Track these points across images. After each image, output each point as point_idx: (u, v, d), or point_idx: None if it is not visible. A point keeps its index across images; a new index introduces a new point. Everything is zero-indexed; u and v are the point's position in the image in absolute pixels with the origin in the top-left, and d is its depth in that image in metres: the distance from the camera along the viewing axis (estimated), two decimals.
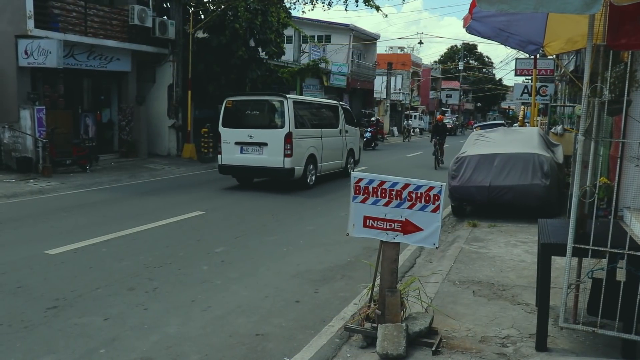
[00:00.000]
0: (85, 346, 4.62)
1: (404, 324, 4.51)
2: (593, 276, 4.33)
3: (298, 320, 5.33)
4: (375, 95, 45.48)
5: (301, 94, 28.49)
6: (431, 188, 4.43)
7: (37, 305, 5.49)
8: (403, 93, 54.61)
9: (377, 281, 4.89)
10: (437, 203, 4.41)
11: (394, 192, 4.49)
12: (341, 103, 17.02)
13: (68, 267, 6.78)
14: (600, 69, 4.23)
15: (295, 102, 13.61)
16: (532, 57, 17.68)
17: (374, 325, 4.77)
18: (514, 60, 21.45)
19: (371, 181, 4.55)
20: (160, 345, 4.67)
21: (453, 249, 8.03)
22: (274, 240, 8.43)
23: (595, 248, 4.10)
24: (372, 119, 33.69)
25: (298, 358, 4.52)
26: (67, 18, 16.08)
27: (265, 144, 13.08)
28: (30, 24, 14.78)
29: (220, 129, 13.65)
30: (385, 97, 46.47)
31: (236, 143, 13.35)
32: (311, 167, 13.92)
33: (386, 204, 4.53)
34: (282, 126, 13.00)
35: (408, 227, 4.50)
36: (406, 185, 4.46)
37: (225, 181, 14.74)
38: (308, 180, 13.77)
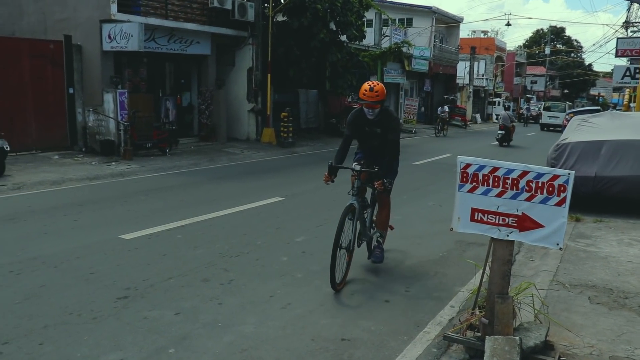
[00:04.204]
0: (154, 344, 4.20)
1: (517, 337, 3.81)
2: None
3: (388, 323, 4.72)
4: (457, 81, 43.90)
5: (382, 79, 27.70)
6: (556, 177, 3.68)
7: (108, 294, 5.15)
8: (486, 79, 52.47)
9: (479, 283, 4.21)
10: (562, 195, 3.66)
11: (509, 181, 3.78)
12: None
13: (141, 254, 6.46)
14: None
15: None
16: None
17: (478, 335, 4.10)
18: (612, 41, 19.80)
19: (481, 167, 3.84)
20: (235, 347, 4.19)
21: None
22: None
23: None
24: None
25: None
26: (149, 2, 16.02)
27: (558, 117, 38.22)
28: (114, 8, 14.79)
29: (542, 112, 42.56)
30: (468, 82, 44.79)
31: (548, 116, 40.66)
32: None
33: (499, 195, 3.82)
34: (564, 111, 38.40)
35: (525, 223, 3.78)
36: (524, 173, 3.73)
37: (305, 167, 14.29)
38: None
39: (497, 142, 24.18)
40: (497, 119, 36.12)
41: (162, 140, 15.43)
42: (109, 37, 14.96)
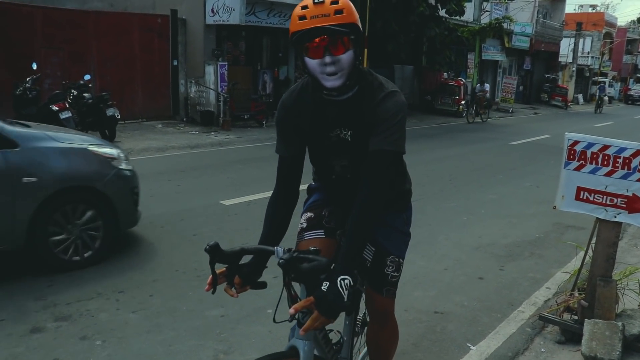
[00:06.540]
0: (253, 304, 4.40)
1: (619, 323, 3.68)
2: None
3: (481, 300, 4.69)
4: (560, 59, 41.80)
5: (480, 55, 26.89)
6: None
7: None
8: (592, 57, 49.61)
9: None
10: None
11: (619, 160, 3.62)
12: None
13: (241, 219, 6.74)
14: None
15: None
16: None
17: (576, 318, 4.00)
18: None
19: (590, 144, 3.70)
20: None
21: None
22: (453, 207, 7.76)
23: None
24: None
25: (483, 346, 3.91)
26: None
27: None
28: None
29: None
30: (571, 61, 42.54)
31: None
32: None
33: (608, 174, 3.67)
34: None
35: (635, 205, 3.61)
36: (638, 152, 3.57)
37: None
38: None
39: None
40: None
41: (259, 112, 15.85)
42: (212, 11, 15.46)
